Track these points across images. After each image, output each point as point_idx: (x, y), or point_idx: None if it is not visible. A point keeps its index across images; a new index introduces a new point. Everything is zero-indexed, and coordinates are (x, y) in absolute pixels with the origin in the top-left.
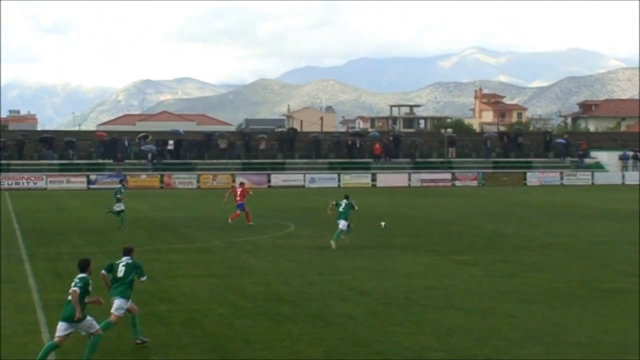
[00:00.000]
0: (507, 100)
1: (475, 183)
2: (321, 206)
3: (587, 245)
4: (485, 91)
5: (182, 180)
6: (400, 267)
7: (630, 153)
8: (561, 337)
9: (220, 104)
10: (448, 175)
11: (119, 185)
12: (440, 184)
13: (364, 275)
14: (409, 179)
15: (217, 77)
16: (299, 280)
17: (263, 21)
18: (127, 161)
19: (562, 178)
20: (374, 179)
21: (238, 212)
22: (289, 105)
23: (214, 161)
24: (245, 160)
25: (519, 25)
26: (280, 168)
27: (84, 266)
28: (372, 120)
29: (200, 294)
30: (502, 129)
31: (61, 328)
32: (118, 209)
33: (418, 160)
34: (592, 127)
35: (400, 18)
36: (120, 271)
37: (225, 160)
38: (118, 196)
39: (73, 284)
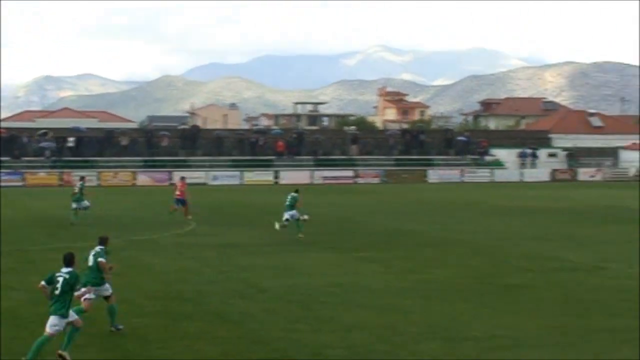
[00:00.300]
0: (410, 98)
1: (377, 180)
2: (223, 204)
3: (485, 241)
4: (389, 89)
5: None
6: (301, 264)
7: (529, 150)
8: (458, 332)
9: (123, 101)
10: (350, 173)
11: (80, 182)
12: (343, 181)
13: (264, 272)
14: (312, 177)
15: (120, 74)
16: (199, 278)
17: (167, 17)
18: (24, 158)
19: (462, 175)
20: (276, 177)
21: (175, 206)
22: (192, 102)
23: (115, 158)
24: (147, 158)
25: (424, 23)
26: (182, 165)
27: (69, 260)
28: (276, 117)
29: None
30: (405, 126)
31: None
32: (83, 206)
33: (321, 157)
34: (492, 125)
35: (305, 15)
36: (90, 260)
37: (126, 158)
38: (80, 191)
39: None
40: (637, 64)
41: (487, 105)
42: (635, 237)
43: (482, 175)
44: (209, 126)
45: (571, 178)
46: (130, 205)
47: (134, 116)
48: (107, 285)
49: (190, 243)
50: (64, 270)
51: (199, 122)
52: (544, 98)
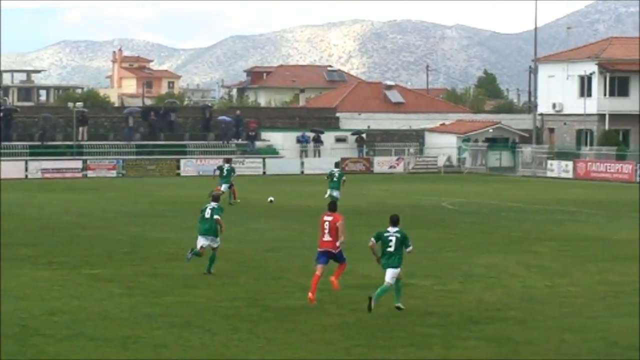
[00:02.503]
0: (155, 65)
1: (114, 173)
2: None
3: (255, 252)
4: (126, 53)
5: None
6: (12, 285)
7: (311, 134)
8: None
9: None
10: (78, 164)
11: (228, 165)
12: (68, 174)
13: None
14: (26, 169)
15: None
16: None
17: None
18: None
19: None
20: None
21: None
22: None
23: None
24: None
25: None
26: None
27: (396, 220)
28: None
29: None
30: (149, 102)
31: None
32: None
33: (37, 143)
34: (263, 101)
35: None
36: (208, 213)
37: None
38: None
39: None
40: (445, 23)
41: (256, 75)
42: (451, 244)
43: (251, 166)
44: None
45: (366, 169)
46: None
47: None
48: (218, 239)
49: None
50: (392, 229)
51: None
52: (329, 66)
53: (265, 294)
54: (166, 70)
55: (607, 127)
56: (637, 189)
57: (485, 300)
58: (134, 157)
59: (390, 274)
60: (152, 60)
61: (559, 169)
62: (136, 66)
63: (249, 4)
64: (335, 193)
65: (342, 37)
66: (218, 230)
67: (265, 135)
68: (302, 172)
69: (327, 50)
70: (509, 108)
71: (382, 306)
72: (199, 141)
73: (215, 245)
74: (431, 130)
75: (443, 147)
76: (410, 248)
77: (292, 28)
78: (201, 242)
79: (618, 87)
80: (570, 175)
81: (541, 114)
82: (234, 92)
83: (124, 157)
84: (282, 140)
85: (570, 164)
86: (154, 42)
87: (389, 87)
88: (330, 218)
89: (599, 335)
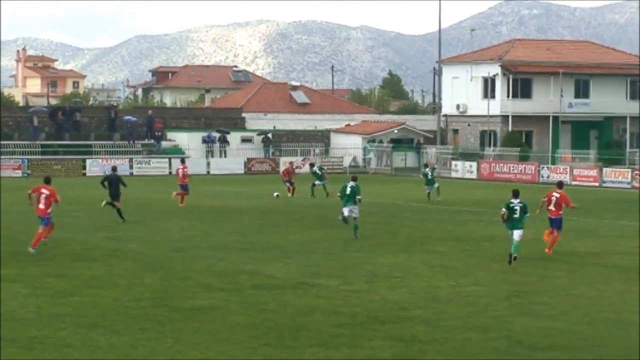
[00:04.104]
0: (59, 65)
1: (19, 173)
2: None
3: (161, 252)
4: (31, 52)
5: None
6: None
7: (216, 134)
8: None
9: None
10: None
11: (318, 165)
12: None
13: None
14: None
15: None
16: None
17: None
18: None
19: (131, 166)
20: None
21: (181, 191)
22: None
23: None
24: None
25: None
26: None
27: (517, 193)
28: None
29: None
30: (54, 102)
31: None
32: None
33: None
34: (168, 101)
35: None
36: (348, 190)
37: None
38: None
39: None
40: (350, 23)
41: (162, 75)
42: (356, 244)
43: (156, 166)
44: None
45: (272, 169)
46: None
47: None
48: (357, 209)
49: None
50: (516, 200)
51: None
52: (234, 66)
53: (172, 294)
54: (71, 70)
55: (510, 129)
56: (539, 190)
57: (391, 300)
58: (39, 157)
59: (517, 234)
60: (56, 60)
61: (463, 169)
62: (40, 65)
63: (154, 4)
64: (429, 188)
65: (248, 38)
66: (357, 203)
67: (171, 135)
68: (208, 172)
69: (233, 51)
70: (413, 109)
71: (289, 306)
72: (104, 141)
73: (355, 215)
74: (337, 130)
75: (348, 147)
76: (528, 214)
77: (197, 28)
78: (345, 212)
79: (521, 88)
80: (474, 175)
81: (445, 115)
82: (139, 92)
83: (29, 156)
84: (187, 140)
85: (474, 164)
86: (59, 42)
87: (295, 88)
88: (558, 195)
89: (503, 334)
